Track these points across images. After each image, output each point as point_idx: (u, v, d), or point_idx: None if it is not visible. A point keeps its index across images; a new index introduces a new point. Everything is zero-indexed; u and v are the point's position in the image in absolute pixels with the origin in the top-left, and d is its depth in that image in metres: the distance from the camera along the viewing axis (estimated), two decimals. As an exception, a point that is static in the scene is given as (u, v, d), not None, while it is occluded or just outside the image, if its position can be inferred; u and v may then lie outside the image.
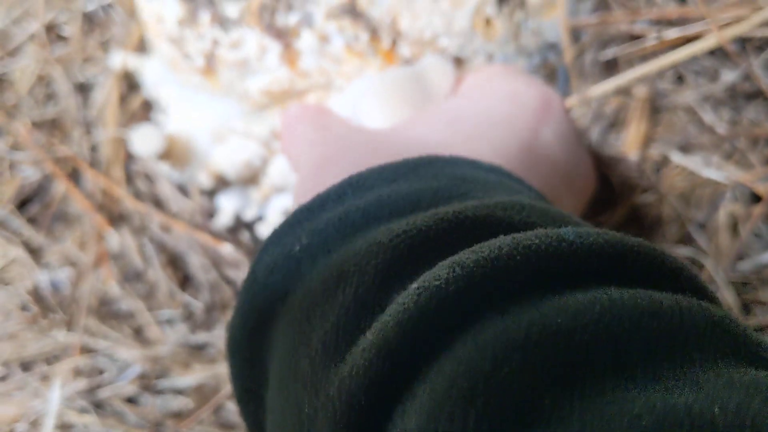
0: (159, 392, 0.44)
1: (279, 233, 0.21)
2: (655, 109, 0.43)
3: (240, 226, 0.48)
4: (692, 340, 0.14)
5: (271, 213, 0.45)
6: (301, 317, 0.18)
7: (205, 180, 0.43)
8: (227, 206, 0.46)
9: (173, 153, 0.42)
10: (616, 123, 0.44)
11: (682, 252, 0.40)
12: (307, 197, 0.22)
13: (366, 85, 0.38)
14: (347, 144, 0.28)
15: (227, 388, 0.43)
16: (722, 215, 0.40)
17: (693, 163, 0.42)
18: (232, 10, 0.40)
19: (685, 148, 0.42)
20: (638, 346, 0.13)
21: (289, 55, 0.40)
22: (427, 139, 0.28)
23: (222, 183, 0.45)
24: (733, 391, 0.12)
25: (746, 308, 0.41)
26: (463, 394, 0.13)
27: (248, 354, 0.20)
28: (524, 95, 0.33)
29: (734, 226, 0.41)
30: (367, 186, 0.22)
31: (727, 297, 0.38)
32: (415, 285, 0.15)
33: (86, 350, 0.45)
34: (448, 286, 0.15)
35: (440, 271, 0.15)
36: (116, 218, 0.48)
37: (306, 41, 0.39)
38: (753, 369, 0.14)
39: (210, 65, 0.41)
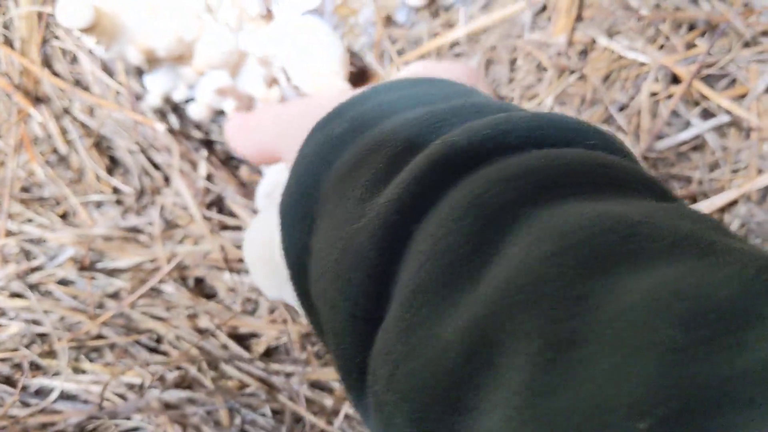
0: (94, 276, 0.43)
1: (322, 123, 0.26)
2: (585, -7, 0.45)
3: (168, 108, 0.47)
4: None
5: (202, 94, 0.44)
6: (346, 174, 0.22)
7: (134, 56, 0.41)
8: (155, 87, 0.44)
9: (101, 26, 0.39)
10: (546, 8, 0.45)
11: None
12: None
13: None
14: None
15: (165, 269, 0.43)
16: (644, 95, 0.42)
17: (618, 45, 0.43)
18: None
19: (612, 32, 0.44)
20: None
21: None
22: None
23: (152, 61, 0.43)
24: None
25: (663, 182, 0.43)
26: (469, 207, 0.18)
27: (300, 213, 0.24)
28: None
29: (655, 107, 0.43)
30: (392, 89, 0.26)
31: (647, 172, 0.41)
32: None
33: (12, 235, 0.43)
34: (468, 139, 0.19)
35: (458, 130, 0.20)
36: (35, 100, 0.45)
37: None
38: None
39: (136, -66, 0.39)
